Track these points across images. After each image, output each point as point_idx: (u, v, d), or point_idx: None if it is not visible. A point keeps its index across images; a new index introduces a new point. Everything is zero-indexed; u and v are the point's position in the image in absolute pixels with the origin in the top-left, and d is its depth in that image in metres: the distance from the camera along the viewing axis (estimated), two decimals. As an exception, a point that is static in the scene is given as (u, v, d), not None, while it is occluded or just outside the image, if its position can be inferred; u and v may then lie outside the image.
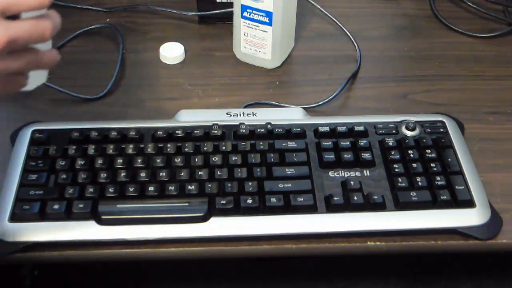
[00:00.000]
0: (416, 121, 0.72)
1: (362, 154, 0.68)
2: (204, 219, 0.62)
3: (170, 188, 0.64)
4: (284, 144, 0.69)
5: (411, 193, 0.65)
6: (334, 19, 0.93)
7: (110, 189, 0.64)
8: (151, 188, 0.64)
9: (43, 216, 0.62)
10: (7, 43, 0.46)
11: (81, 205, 0.62)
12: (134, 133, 0.69)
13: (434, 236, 0.64)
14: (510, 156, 0.74)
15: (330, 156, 0.68)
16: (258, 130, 0.71)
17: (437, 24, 0.96)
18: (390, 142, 0.70)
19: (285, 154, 0.68)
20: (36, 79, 0.58)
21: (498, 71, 0.87)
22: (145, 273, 1.24)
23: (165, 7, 0.95)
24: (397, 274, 1.27)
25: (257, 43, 0.84)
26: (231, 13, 0.84)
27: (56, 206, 0.62)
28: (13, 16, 0.48)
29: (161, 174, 0.65)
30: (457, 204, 0.64)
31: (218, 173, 0.66)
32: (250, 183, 0.65)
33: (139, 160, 0.66)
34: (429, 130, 0.72)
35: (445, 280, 1.27)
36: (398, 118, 0.73)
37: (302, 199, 0.64)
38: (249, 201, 0.63)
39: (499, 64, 0.88)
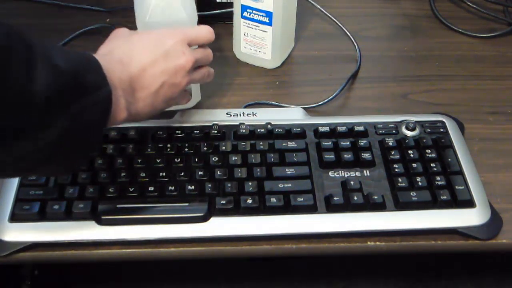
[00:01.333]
0: (416, 121, 0.72)
1: (362, 154, 0.68)
2: (204, 219, 0.63)
3: (170, 188, 0.64)
4: (284, 144, 0.69)
5: (411, 193, 0.65)
6: (334, 19, 0.93)
7: (110, 189, 0.64)
8: (151, 188, 0.64)
9: (43, 216, 0.62)
10: (195, 62, 0.65)
11: (81, 205, 0.62)
12: (134, 133, 0.69)
13: (434, 236, 0.64)
14: (510, 156, 0.73)
15: (330, 156, 0.68)
16: (258, 130, 0.71)
17: (437, 24, 0.96)
18: (390, 142, 0.70)
19: (285, 154, 0.68)
20: (195, 98, 0.77)
21: (498, 71, 0.87)
22: (145, 273, 1.24)
23: (165, 7, 0.95)
24: (397, 274, 1.27)
25: (257, 43, 0.84)
26: (231, 13, 0.84)
27: (56, 206, 0.62)
28: None
29: (161, 174, 0.65)
30: (457, 204, 0.64)
31: (218, 173, 0.66)
32: (250, 183, 0.65)
33: (139, 160, 0.66)
34: (429, 130, 0.72)
35: (445, 280, 1.27)
36: (398, 118, 0.73)
37: (302, 199, 0.64)
38: (249, 201, 0.63)
39: (499, 64, 0.88)
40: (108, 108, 0.55)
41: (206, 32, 0.68)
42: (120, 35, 0.66)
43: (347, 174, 0.67)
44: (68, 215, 0.62)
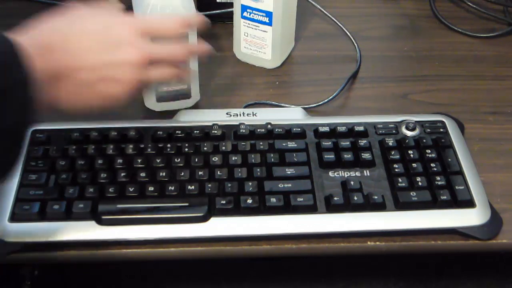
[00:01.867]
0: (416, 121, 0.72)
1: (362, 154, 0.68)
2: (204, 219, 0.63)
3: (170, 188, 0.64)
4: (284, 144, 0.69)
5: (411, 193, 0.65)
6: (334, 19, 0.93)
7: (110, 189, 0.64)
8: (151, 188, 0.64)
9: (43, 216, 0.62)
10: (148, 57, 0.56)
11: (81, 205, 0.62)
12: (134, 133, 0.69)
13: (434, 236, 0.64)
14: (510, 156, 0.73)
15: (330, 156, 0.68)
16: (258, 130, 0.70)
17: (437, 24, 0.96)
18: (390, 142, 0.70)
19: (285, 154, 0.68)
20: (194, 97, 0.77)
21: (498, 71, 0.87)
22: (145, 273, 1.24)
23: (165, 7, 0.95)
24: (397, 274, 1.27)
25: (257, 43, 0.84)
26: (231, 13, 0.84)
27: (56, 206, 0.62)
28: None
29: (161, 174, 0.65)
30: (457, 204, 0.64)
31: (218, 173, 0.66)
32: (250, 183, 0.65)
33: (139, 160, 0.66)
34: (429, 130, 0.72)
35: (445, 280, 1.27)
36: (398, 118, 0.73)
37: (302, 199, 0.64)
38: (249, 201, 0.63)
39: (499, 64, 0.88)
40: (28, 108, 0.49)
41: (170, 24, 0.58)
42: (66, 13, 0.57)
43: (347, 174, 0.67)
44: (68, 215, 0.62)
